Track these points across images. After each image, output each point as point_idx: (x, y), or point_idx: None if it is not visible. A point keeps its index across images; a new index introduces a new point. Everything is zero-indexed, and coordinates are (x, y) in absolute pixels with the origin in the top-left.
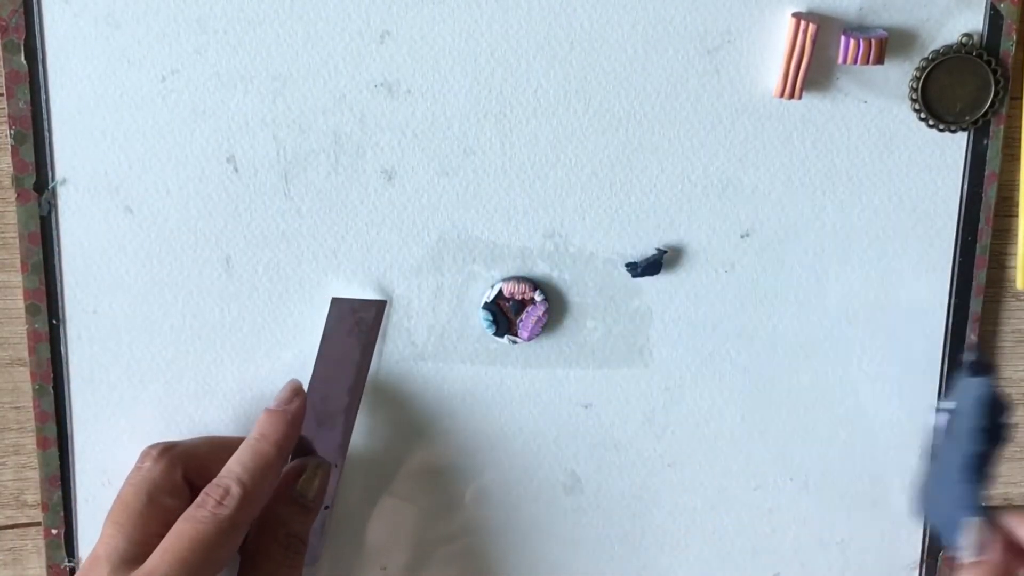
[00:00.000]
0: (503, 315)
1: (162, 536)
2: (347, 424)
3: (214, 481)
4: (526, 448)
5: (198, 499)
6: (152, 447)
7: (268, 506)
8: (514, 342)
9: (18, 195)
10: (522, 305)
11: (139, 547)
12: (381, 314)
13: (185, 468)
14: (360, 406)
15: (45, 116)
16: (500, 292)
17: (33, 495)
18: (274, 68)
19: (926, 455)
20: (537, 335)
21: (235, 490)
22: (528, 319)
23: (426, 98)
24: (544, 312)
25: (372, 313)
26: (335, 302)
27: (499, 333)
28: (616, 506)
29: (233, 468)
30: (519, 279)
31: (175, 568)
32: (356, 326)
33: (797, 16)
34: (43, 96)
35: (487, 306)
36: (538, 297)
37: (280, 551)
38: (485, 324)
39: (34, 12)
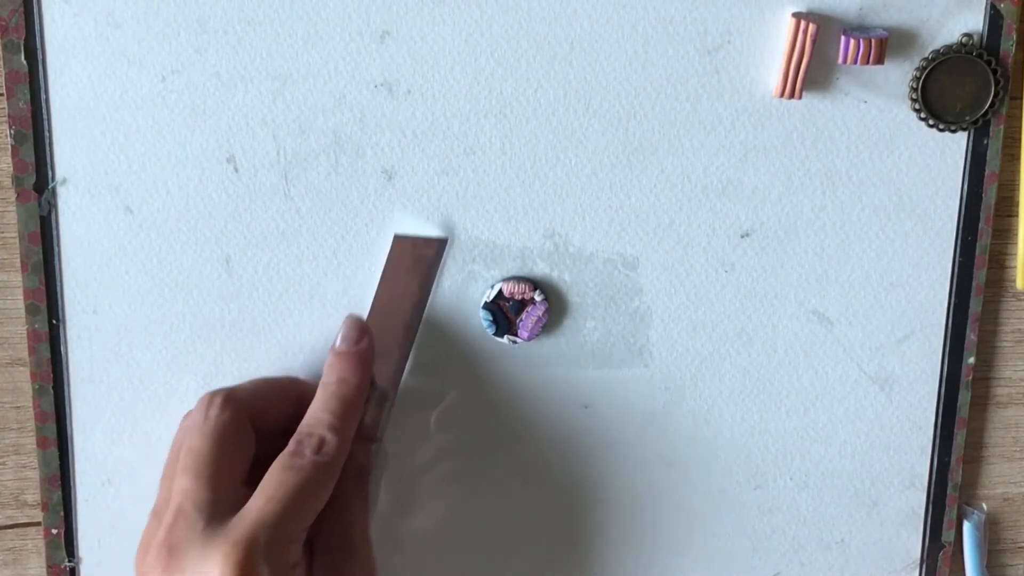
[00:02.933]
0: (503, 315)
1: (240, 482)
2: (400, 360)
3: (305, 430)
4: (525, 448)
5: (291, 447)
6: (212, 395)
7: None
8: (514, 342)
9: (18, 195)
10: (522, 305)
11: (223, 495)
12: (442, 252)
13: (252, 411)
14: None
15: (45, 116)
16: (500, 292)
17: (33, 495)
18: (274, 68)
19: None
20: (537, 335)
21: (331, 438)
22: (528, 319)
23: (426, 98)
24: (544, 312)
25: (433, 251)
26: (397, 239)
27: (499, 333)
28: (616, 506)
29: (322, 417)
30: (519, 279)
31: (285, 512)
32: (416, 263)
33: (797, 16)
34: (43, 96)
35: (487, 306)
36: (538, 297)
37: (351, 483)
38: (485, 324)
39: (34, 12)
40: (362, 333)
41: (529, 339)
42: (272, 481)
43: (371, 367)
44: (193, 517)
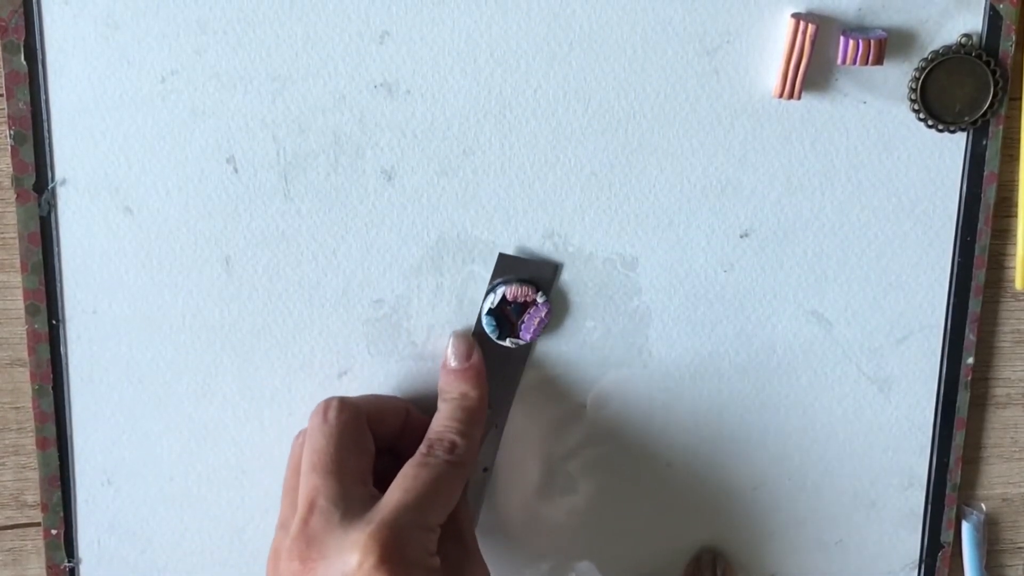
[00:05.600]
0: (506, 319)
1: (366, 481)
2: (509, 385)
3: (434, 436)
4: (525, 448)
5: (423, 449)
6: (328, 400)
7: None
8: (516, 344)
9: (18, 195)
10: (524, 307)
11: (354, 490)
12: (555, 275)
13: (367, 415)
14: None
15: (45, 116)
16: (503, 297)
17: (33, 495)
18: (274, 68)
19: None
20: (539, 335)
21: (461, 442)
22: (530, 320)
23: (426, 98)
24: (546, 314)
25: (549, 274)
26: (502, 258)
27: (502, 337)
28: (616, 506)
29: (450, 424)
30: (521, 282)
31: (418, 501)
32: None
33: (796, 17)
34: (43, 96)
35: (491, 312)
36: (540, 299)
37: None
38: (489, 330)
39: (34, 12)
40: (471, 348)
41: (531, 340)
42: (408, 475)
43: (486, 379)
44: (329, 510)
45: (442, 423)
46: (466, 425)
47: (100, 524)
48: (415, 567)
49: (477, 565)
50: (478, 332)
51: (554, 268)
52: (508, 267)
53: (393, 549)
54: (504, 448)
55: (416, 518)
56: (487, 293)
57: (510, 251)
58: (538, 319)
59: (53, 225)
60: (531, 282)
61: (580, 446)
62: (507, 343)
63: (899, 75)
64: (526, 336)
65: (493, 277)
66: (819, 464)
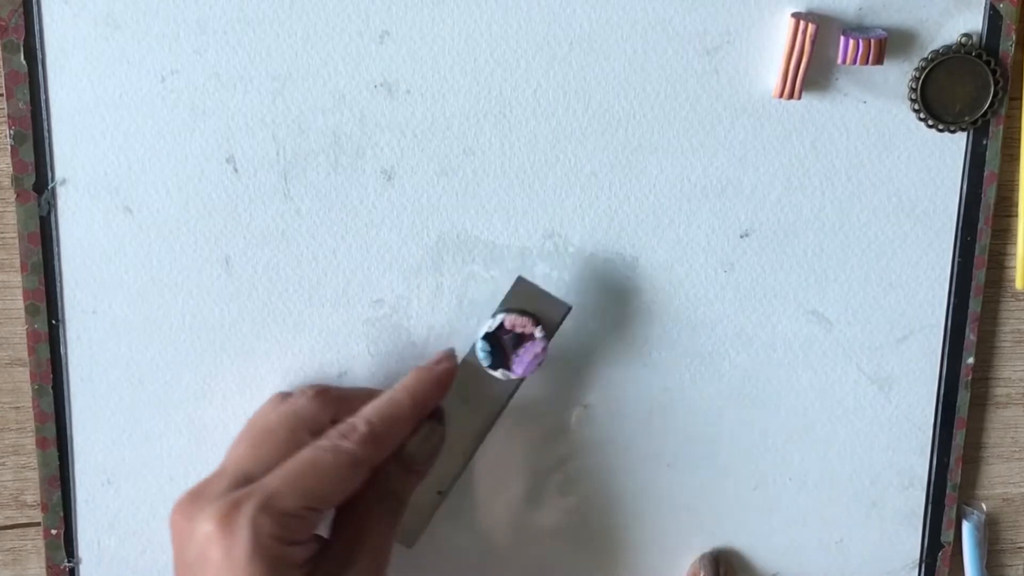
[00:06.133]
0: (501, 348)
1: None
2: (488, 415)
3: (345, 420)
4: (525, 448)
5: (326, 433)
6: (310, 386)
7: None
8: (507, 376)
9: (18, 195)
10: (520, 339)
11: (265, 470)
12: (563, 318)
13: (336, 412)
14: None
15: (45, 116)
16: (502, 324)
17: (33, 495)
18: (274, 68)
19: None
20: (532, 372)
21: (361, 428)
22: (525, 354)
23: (426, 98)
24: (543, 350)
25: (558, 315)
26: (520, 281)
27: (494, 365)
28: (616, 506)
29: (365, 411)
30: (522, 312)
31: (287, 487)
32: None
33: (796, 16)
34: (43, 96)
35: (487, 337)
36: (538, 334)
37: (376, 504)
38: (482, 355)
39: (34, 12)
40: (445, 357)
41: (523, 375)
42: (293, 458)
43: (442, 389)
44: (228, 477)
45: (362, 410)
46: (378, 416)
47: (100, 524)
48: (256, 548)
49: None
50: (470, 358)
51: (565, 310)
52: (522, 293)
53: (228, 524)
54: (505, 448)
55: (270, 501)
56: (492, 316)
57: (511, 251)
58: (533, 354)
59: (53, 225)
60: (535, 316)
61: (580, 447)
62: (498, 374)
63: (899, 75)
64: (518, 370)
65: (506, 299)
66: (819, 464)
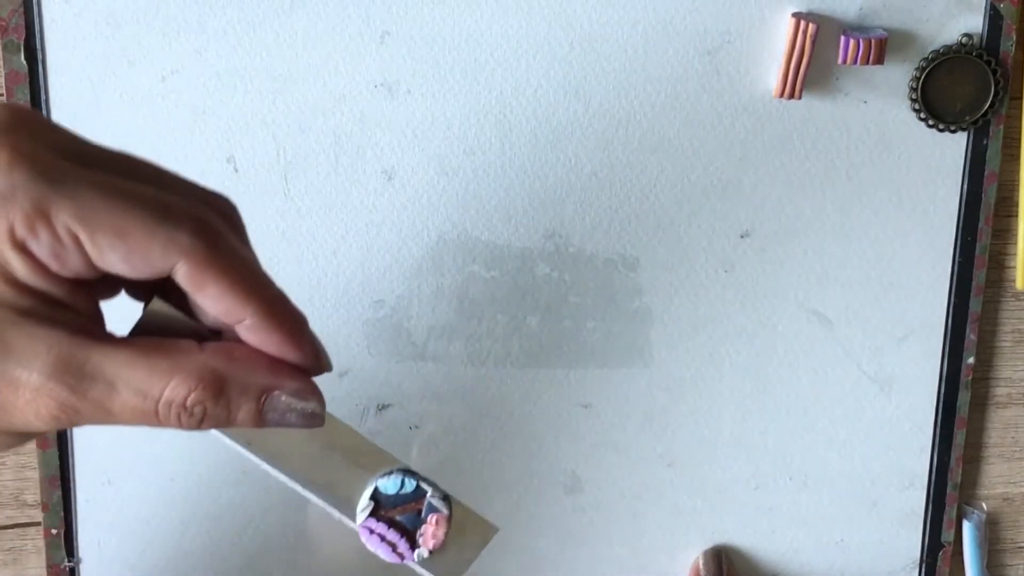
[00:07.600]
0: (401, 533)
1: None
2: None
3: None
4: (526, 448)
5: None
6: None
7: None
8: (421, 558)
9: None
10: (417, 516)
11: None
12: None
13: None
14: (358, 406)
15: (45, 116)
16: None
17: (33, 495)
18: (274, 68)
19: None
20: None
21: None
22: (428, 528)
23: (426, 98)
24: (445, 517)
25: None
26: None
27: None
28: (616, 506)
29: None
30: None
31: (99, 205)
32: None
33: (797, 16)
34: (43, 96)
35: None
36: (428, 502)
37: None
38: (383, 553)
39: (34, 12)
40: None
41: (435, 548)
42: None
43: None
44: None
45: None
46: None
47: (100, 524)
48: None
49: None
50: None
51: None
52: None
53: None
54: (505, 448)
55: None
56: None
57: (511, 251)
58: (435, 520)
59: None
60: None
61: (581, 447)
62: (414, 557)
63: (900, 75)
64: (431, 544)
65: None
66: (820, 464)
